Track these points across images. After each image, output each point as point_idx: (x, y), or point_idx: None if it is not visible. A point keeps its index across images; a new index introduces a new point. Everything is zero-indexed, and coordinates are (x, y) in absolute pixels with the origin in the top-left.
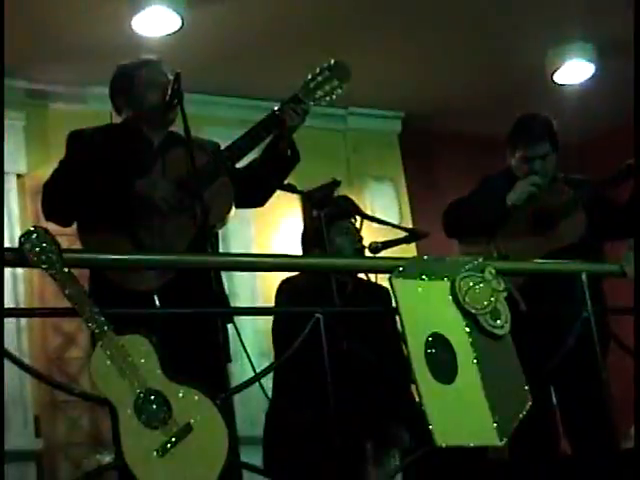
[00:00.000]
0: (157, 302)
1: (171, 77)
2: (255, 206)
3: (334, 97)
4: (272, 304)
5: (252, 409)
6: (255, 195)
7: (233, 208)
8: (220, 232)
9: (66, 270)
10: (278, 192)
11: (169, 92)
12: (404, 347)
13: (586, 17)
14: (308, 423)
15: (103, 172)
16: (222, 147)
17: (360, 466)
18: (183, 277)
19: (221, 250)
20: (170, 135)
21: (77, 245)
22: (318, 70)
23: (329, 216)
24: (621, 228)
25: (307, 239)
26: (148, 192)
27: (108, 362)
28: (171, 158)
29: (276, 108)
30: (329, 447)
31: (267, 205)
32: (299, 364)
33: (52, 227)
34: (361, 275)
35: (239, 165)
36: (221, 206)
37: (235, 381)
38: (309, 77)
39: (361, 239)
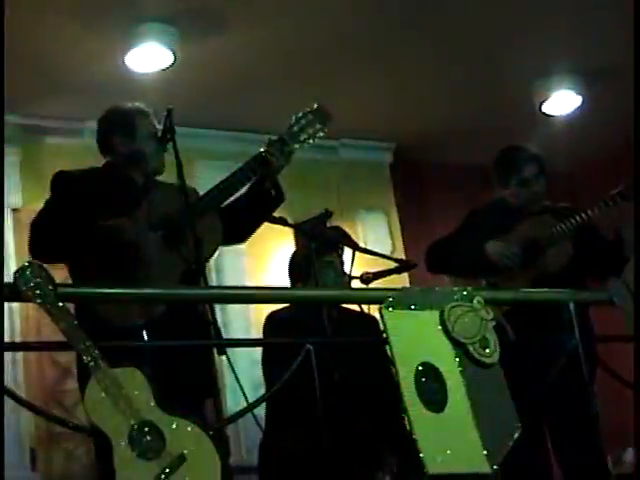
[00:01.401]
0: (145, 337)
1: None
2: (235, 243)
3: (316, 139)
4: None
5: (248, 439)
6: (237, 232)
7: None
8: (214, 264)
9: (60, 304)
10: (270, 224)
11: (161, 127)
12: (394, 376)
13: (573, 48)
14: (300, 453)
15: (88, 215)
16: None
17: None
18: (170, 312)
19: (215, 282)
20: (152, 179)
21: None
22: (301, 114)
23: (316, 248)
24: (605, 263)
25: (294, 271)
26: (136, 240)
27: (102, 394)
28: (155, 199)
29: (262, 149)
30: (321, 476)
31: (260, 237)
32: (290, 395)
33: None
34: (352, 305)
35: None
36: (210, 241)
37: (230, 412)
38: (292, 120)
39: (344, 273)
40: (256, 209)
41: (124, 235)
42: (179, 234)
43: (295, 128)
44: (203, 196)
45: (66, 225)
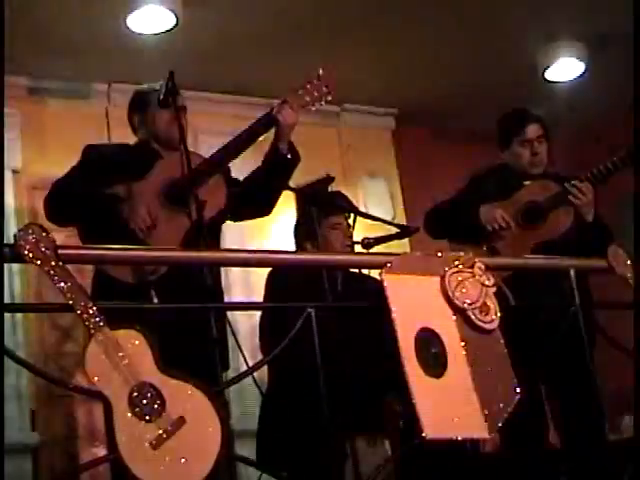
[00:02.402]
0: (154, 293)
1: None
2: (262, 215)
3: (322, 104)
4: None
5: (246, 403)
6: (261, 203)
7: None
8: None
9: (60, 265)
10: None
11: (163, 90)
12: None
13: (577, 15)
14: (302, 416)
15: (102, 183)
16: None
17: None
18: (179, 270)
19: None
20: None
21: (73, 241)
22: (306, 80)
23: (321, 211)
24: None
25: (299, 234)
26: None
27: (102, 356)
28: (166, 162)
29: (273, 109)
30: (322, 440)
31: None
32: (291, 358)
33: (48, 223)
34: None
35: (237, 170)
36: (214, 203)
37: (230, 375)
38: (299, 84)
39: (351, 235)
40: (275, 174)
41: (130, 198)
42: (182, 195)
43: (300, 91)
44: (209, 157)
45: (81, 190)
